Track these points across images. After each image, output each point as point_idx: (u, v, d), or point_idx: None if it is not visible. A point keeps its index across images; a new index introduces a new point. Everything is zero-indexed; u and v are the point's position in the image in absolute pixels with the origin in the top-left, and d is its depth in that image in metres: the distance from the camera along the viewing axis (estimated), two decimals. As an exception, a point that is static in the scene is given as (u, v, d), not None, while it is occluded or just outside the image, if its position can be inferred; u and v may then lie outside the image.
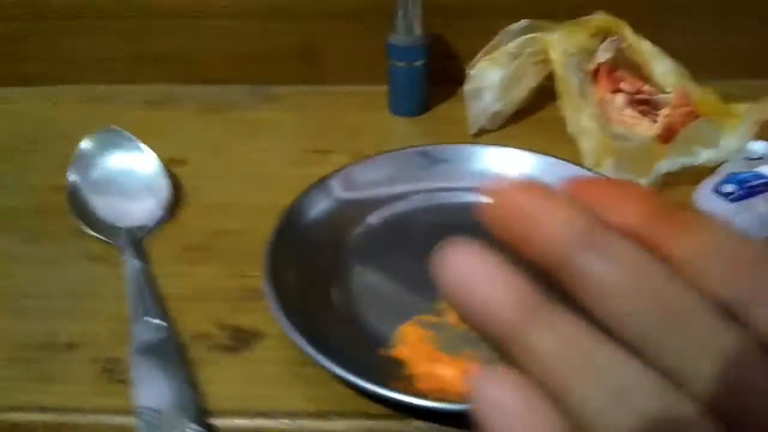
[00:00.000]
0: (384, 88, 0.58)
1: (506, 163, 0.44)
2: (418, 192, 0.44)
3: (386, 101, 0.58)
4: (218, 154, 0.53)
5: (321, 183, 0.43)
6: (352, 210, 0.42)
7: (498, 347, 0.14)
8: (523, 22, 0.53)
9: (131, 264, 0.41)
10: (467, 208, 0.43)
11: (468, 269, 0.14)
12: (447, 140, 0.50)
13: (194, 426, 0.32)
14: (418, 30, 0.53)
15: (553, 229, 0.14)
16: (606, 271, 0.14)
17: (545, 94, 0.56)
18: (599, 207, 0.14)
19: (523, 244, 0.14)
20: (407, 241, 0.42)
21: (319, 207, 0.42)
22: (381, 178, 0.44)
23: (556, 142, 0.52)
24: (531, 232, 0.14)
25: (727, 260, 0.14)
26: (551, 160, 0.43)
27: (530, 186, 0.14)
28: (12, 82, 0.62)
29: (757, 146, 0.47)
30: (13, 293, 0.41)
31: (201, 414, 0.33)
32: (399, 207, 0.43)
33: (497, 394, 0.14)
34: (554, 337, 0.14)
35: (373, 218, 0.42)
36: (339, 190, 0.43)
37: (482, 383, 0.14)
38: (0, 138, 0.56)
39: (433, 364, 0.34)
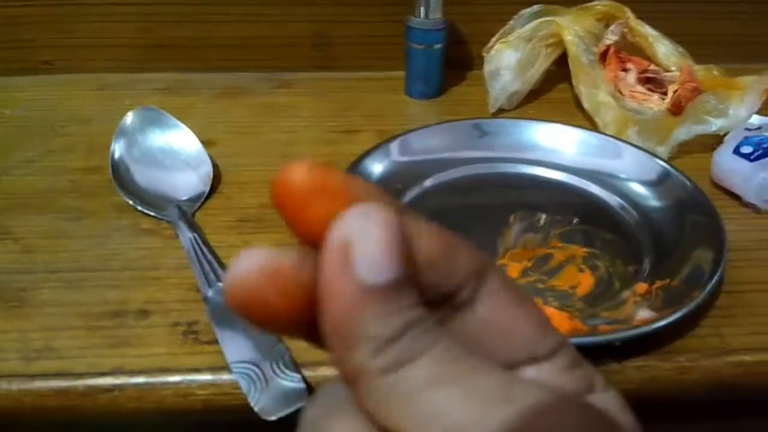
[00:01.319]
0: (396, 73, 0.60)
1: (553, 136, 0.47)
2: (469, 160, 0.46)
3: (401, 85, 0.60)
4: (246, 135, 0.54)
5: (381, 146, 0.45)
6: (409, 173, 0.44)
7: None
8: (535, 7, 0.57)
9: (186, 236, 0.41)
10: (515, 178, 0.46)
11: None
12: (464, 118, 0.52)
13: (292, 372, 0.33)
14: (438, 14, 0.55)
15: None
16: None
17: (551, 78, 0.59)
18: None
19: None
20: (458, 205, 0.44)
21: (379, 167, 0.44)
22: (436, 146, 0.46)
23: (572, 117, 0.55)
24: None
25: None
26: (596, 135, 0.47)
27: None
28: (19, 71, 0.61)
29: (754, 119, 0.51)
30: (70, 267, 0.40)
31: (294, 363, 0.33)
32: (453, 173, 0.45)
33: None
34: None
35: (429, 182, 0.44)
36: (396, 154, 0.45)
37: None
38: (19, 124, 0.55)
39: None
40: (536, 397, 0.13)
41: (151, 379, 0.34)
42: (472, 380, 0.13)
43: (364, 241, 0.13)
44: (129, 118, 0.47)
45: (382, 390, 0.13)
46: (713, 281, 0.36)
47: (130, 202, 0.44)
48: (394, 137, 0.47)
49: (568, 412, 0.13)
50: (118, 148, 0.46)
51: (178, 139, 0.47)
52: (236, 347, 0.34)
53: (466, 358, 0.13)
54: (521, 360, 0.15)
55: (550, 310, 0.36)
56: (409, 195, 0.45)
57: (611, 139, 0.47)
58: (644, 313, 0.34)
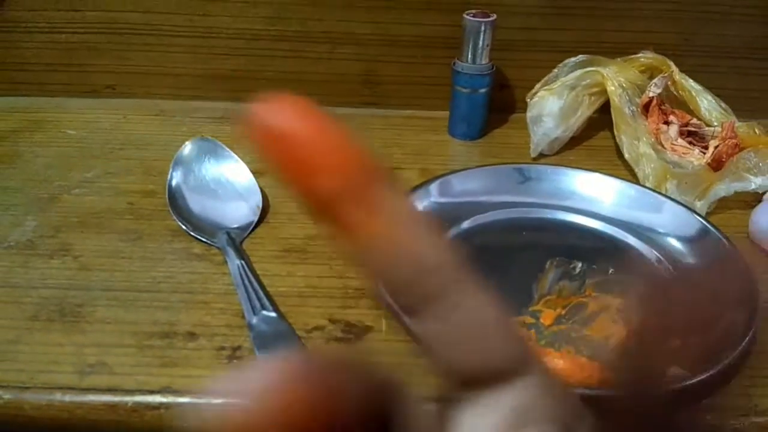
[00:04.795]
0: (440, 113, 0.62)
1: (593, 185, 0.48)
2: (508, 204, 0.48)
3: (444, 125, 0.62)
4: (294, 167, 0.56)
5: (421, 186, 0.46)
6: (448, 214, 0.46)
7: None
8: (580, 57, 0.58)
9: (234, 262, 0.43)
10: (553, 224, 0.47)
11: None
12: (507, 163, 0.54)
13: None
14: (485, 59, 0.57)
15: None
16: None
17: (593, 125, 0.61)
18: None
19: None
20: (496, 248, 0.45)
21: (419, 206, 0.46)
22: (475, 189, 0.48)
23: (610, 166, 0.56)
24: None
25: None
26: (636, 188, 0.49)
27: None
28: (81, 93, 0.65)
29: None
30: (124, 287, 0.42)
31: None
32: (491, 216, 0.47)
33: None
34: None
35: (467, 223, 0.46)
36: (436, 195, 0.46)
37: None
38: (80, 145, 0.58)
39: (543, 357, 0.37)
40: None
41: (196, 400, 0.36)
42: None
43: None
44: (187, 147, 0.49)
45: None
46: (745, 341, 0.36)
47: (184, 228, 0.46)
48: (435, 178, 0.49)
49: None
50: (175, 176, 0.48)
51: (232, 171, 0.49)
52: (278, 375, 0.36)
53: None
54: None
55: (582, 360, 0.37)
56: (447, 236, 0.46)
57: (651, 192, 0.48)
58: (674, 370, 0.35)
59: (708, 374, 0.34)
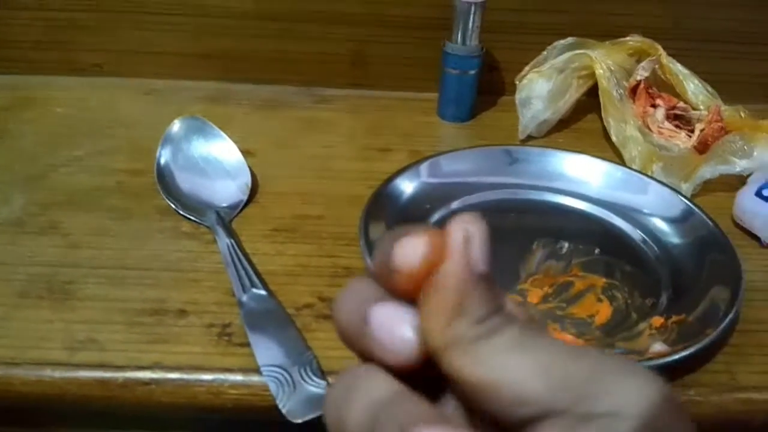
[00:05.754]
0: (430, 94, 0.62)
1: (579, 167, 0.49)
2: (497, 185, 0.48)
3: (434, 107, 0.62)
4: (283, 148, 0.56)
5: (412, 167, 0.47)
6: (438, 194, 0.46)
7: None
8: (569, 39, 0.58)
9: (224, 241, 0.43)
10: (540, 205, 0.48)
11: None
12: (496, 144, 0.54)
13: (318, 379, 0.34)
14: (474, 41, 0.57)
15: None
16: None
17: (582, 108, 0.61)
18: None
19: None
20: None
21: (410, 187, 0.47)
22: (465, 170, 0.48)
23: (599, 148, 0.57)
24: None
25: None
26: (622, 169, 0.49)
27: None
28: (67, 72, 0.64)
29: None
30: (114, 264, 0.42)
31: (321, 370, 0.35)
32: (480, 197, 0.47)
33: None
34: None
35: (456, 204, 0.46)
36: (426, 175, 0.47)
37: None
38: (68, 123, 0.57)
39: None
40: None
41: (186, 376, 0.36)
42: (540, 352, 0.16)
43: (478, 238, 0.17)
44: (175, 126, 0.49)
45: (471, 353, 0.16)
46: (727, 319, 0.37)
47: (173, 206, 0.46)
48: (425, 159, 0.49)
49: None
50: (164, 155, 0.48)
51: (220, 149, 0.49)
52: (267, 351, 0.36)
53: (537, 337, 0.17)
54: None
55: (568, 337, 0.37)
56: (436, 216, 0.47)
57: (637, 173, 0.48)
58: (658, 347, 0.36)
59: (689, 351, 0.35)
